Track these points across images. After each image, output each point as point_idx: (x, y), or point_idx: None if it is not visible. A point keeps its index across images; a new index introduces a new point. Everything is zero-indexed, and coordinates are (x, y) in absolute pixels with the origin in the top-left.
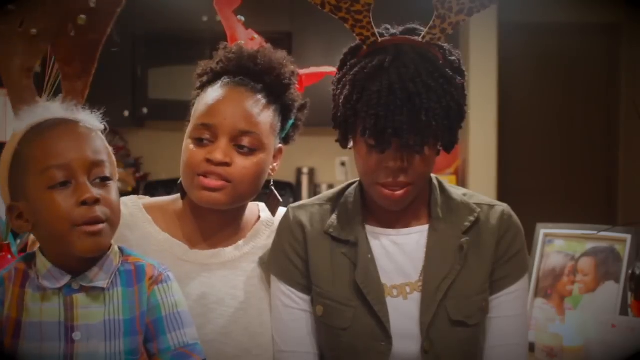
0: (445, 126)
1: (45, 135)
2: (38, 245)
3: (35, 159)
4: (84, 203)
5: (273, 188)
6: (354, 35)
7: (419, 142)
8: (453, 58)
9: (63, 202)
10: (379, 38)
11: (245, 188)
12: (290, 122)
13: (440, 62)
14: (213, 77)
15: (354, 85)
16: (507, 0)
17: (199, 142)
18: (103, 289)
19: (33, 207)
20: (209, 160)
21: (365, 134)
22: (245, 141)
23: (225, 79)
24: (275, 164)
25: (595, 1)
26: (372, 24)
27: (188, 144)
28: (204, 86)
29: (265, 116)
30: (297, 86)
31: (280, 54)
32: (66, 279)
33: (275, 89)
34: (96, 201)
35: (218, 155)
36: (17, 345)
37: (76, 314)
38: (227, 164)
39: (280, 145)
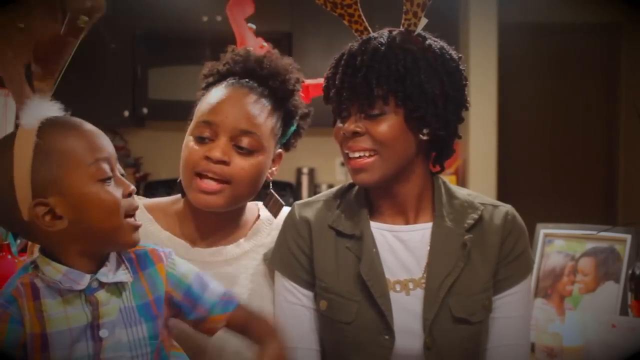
0: (400, 94)
1: (79, 129)
2: (35, 254)
3: (77, 151)
4: (129, 195)
5: (273, 192)
6: (352, 31)
7: (364, 101)
8: (430, 42)
9: (114, 194)
10: (370, 31)
11: (242, 189)
12: (292, 128)
13: (414, 43)
14: (218, 78)
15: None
16: (507, 0)
17: (199, 140)
18: (115, 283)
19: (74, 202)
20: (207, 158)
21: (325, 101)
22: (245, 142)
23: (230, 80)
24: (274, 169)
25: (595, 1)
26: (363, 17)
27: (188, 141)
28: (208, 86)
29: (267, 119)
30: (302, 94)
31: (287, 60)
32: (87, 278)
33: (279, 94)
34: (133, 193)
35: (217, 153)
36: (48, 358)
37: (101, 312)
38: (225, 163)
39: (280, 150)
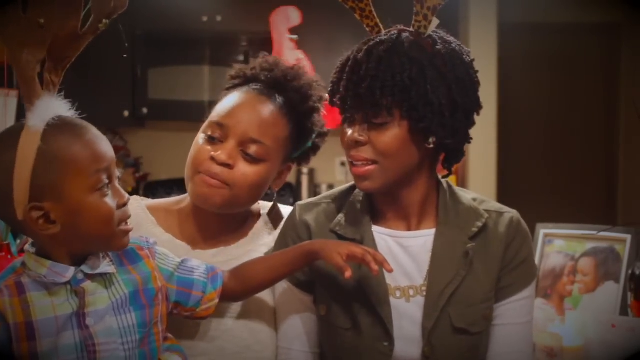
0: (405, 105)
1: (85, 136)
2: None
3: (79, 160)
4: (123, 206)
5: (276, 202)
6: (364, 26)
7: (368, 110)
8: (440, 47)
9: (110, 204)
10: (382, 28)
11: (240, 194)
12: (308, 144)
13: (425, 47)
14: (244, 82)
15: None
16: (507, 0)
17: (209, 139)
18: (101, 275)
19: (70, 209)
20: (212, 159)
21: (331, 105)
22: (252, 149)
23: (252, 86)
24: (279, 181)
25: (595, 1)
26: (374, 13)
27: (199, 138)
28: (232, 88)
29: (279, 131)
30: (325, 113)
31: (313, 77)
32: (71, 271)
33: (299, 109)
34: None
35: (222, 156)
36: (35, 346)
37: (87, 302)
38: (229, 166)
39: (290, 163)
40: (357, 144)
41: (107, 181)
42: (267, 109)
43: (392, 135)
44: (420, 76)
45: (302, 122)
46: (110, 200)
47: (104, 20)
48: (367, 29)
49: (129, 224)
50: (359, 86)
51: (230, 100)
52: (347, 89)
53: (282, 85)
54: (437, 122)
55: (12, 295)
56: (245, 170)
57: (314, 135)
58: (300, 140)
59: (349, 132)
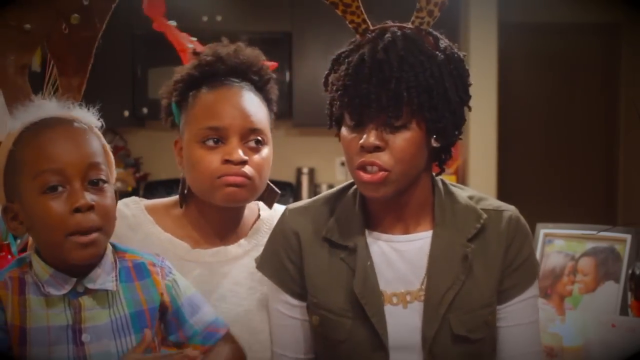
0: (426, 105)
1: (39, 137)
2: (33, 247)
3: (28, 161)
4: (77, 210)
5: (269, 182)
6: (346, 22)
7: (391, 113)
8: (445, 44)
9: (56, 209)
10: (370, 25)
11: (261, 182)
12: (271, 116)
13: (428, 45)
14: (192, 84)
15: (334, 63)
16: (507, 0)
17: (208, 145)
18: (105, 291)
19: (27, 211)
20: (227, 161)
21: (341, 109)
22: (254, 138)
23: (213, 82)
24: None
25: (595, 1)
26: (362, 9)
27: (195, 150)
28: (183, 92)
29: (263, 111)
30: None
31: (254, 50)
32: (71, 283)
33: (259, 84)
34: (90, 208)
35: (237, 155)
36: (25, 352)
37: (84, 317)
38: (246, 162)
39: None
40: (375, 149)
41: (56, 183)
42: (246, 96)
43: (409, 137)
44: (439, 75)
45: (265, 95)
46: (58, 204)
47: (74, 16)
48: (351, 26)
49: (91, 235)
50: (383, 88)
51: (209, 103)
52: (370, 92)
53: (237, 70)
54: (451, 120)
55: (14, 292)
56: (257, 160)
57: (274, 105)
58: (269, 113)
59: (364, 136)
